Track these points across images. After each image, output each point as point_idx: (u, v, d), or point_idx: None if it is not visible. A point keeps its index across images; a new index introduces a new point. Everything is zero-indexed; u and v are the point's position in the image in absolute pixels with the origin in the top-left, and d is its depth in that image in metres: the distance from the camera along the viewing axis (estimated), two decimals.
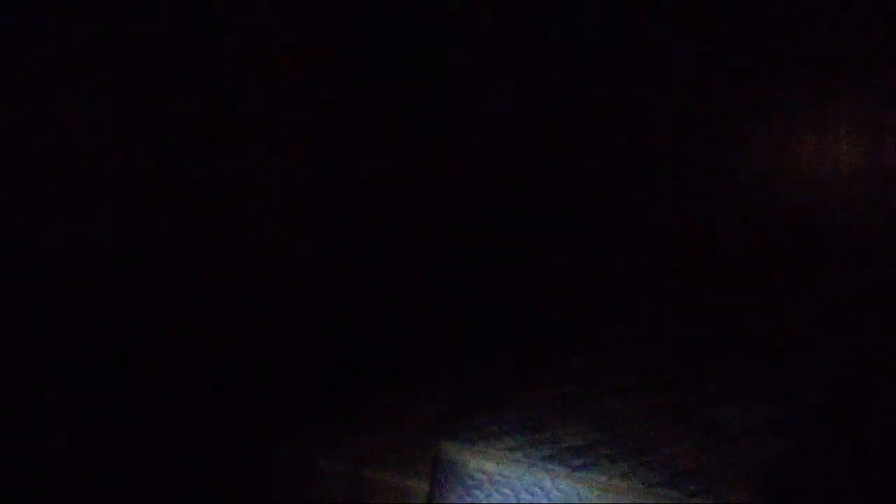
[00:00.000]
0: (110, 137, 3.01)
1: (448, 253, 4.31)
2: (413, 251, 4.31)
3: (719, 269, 3.75)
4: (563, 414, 2.53)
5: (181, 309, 3.33)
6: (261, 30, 3.70)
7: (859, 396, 2.94)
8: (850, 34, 3.51)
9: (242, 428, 3.41)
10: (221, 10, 3.41)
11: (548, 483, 2.22)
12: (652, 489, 2.11)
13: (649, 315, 3.80)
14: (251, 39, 3.63)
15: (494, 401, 2.65)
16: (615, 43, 3.96)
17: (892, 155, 3.48)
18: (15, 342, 2.73)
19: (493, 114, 4.22)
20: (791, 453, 2.33)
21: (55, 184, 2.85)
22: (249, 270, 3.68)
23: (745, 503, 2.03)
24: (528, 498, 2.25)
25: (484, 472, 2.31)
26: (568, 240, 4.07)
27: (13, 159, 2.71)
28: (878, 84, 3.50)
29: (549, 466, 2.25)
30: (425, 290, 4.26)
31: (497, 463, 2.30)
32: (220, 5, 3.42)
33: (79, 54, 2.88)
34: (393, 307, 4.19)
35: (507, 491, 2.28)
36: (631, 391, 2.73)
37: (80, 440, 2.91)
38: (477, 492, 2.32)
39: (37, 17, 2.69)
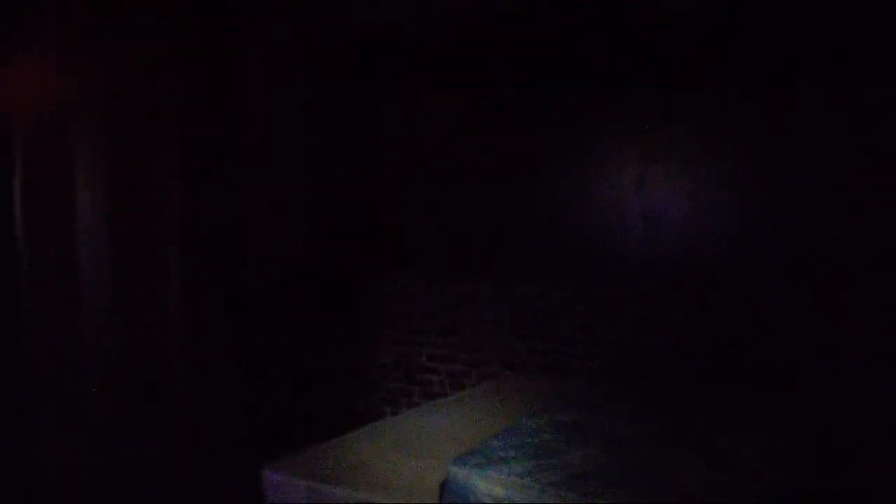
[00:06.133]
0: None
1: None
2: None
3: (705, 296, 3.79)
4: (570, 439, 2.54)
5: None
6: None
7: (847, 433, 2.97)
8: None
9: (245, 452, 3.38)
10: None
11: None
12: None
13: (646, 343, 3.83)
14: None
15: (502, 426, 2.65)
16: None
17: None
18: None
19: None
20: (792, 479, 2.35)
21: None
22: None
23: None
24: None
25: (493, 497, 2.31)
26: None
27: None
28: None
29: (559, 492, 2.25)
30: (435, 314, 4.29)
31: (506, 488, 2.31)
32: None
33: None
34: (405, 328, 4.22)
35: None
36: (633, 418, 2.75)
37: None
38: None
39: None
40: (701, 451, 2.47)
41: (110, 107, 2.99)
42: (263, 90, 3.94)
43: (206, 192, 3.44)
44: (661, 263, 3.85)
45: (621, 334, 3.85)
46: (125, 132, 3.04)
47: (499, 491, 2.31)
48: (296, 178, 4.18)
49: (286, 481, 2.78)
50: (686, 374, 3.40)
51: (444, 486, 2.41)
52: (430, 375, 4.37)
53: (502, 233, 4.30)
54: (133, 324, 3.08)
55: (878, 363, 3.36)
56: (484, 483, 2.34)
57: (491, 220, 4.33)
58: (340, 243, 4.43)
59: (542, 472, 2.33)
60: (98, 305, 2.95)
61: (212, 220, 3.50)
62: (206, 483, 3.33)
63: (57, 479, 2.94)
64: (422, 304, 4.44)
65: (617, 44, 3.92)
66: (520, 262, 4.25)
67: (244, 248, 3.71)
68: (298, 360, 3.96)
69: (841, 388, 3.34)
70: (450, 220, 4.48)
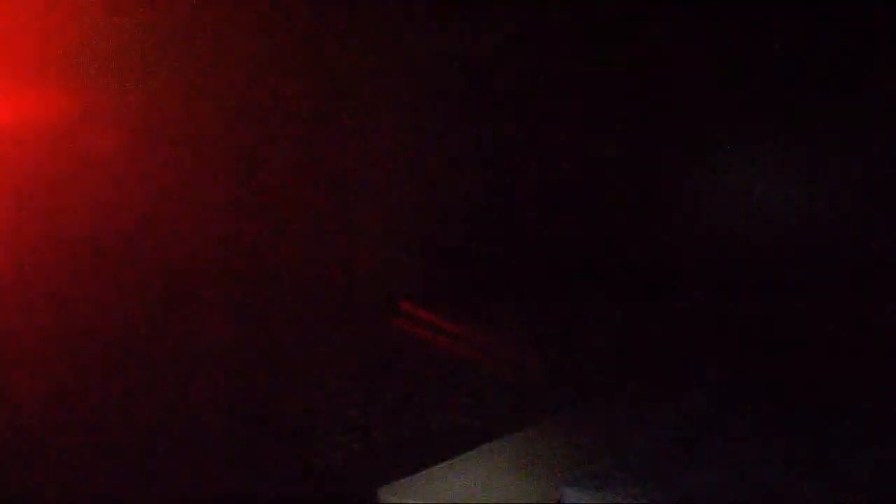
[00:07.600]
0: None
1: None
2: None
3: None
4: (685, 459, 2.52)
5: None
6: None
7: None
8: None
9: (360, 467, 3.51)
10: None
11: None
12: None
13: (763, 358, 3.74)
14: None
15: (615, 445, 2.66)
16: None
17: None
18: None
19: None
20: None
21: None
22: None
23: None
24: None
25: None
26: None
27: None
28: None
29: None
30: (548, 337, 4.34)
31: None
32: None
33: None
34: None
35: None
36: (750, 437, 2.70)
37: None
38: None
39: None
40: (825, 475, 2.39)
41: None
42: (376, 132, 4.09)
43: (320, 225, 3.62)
44: (784, 278, 3.75)
45: (737, 350, 3.77)
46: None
47: None
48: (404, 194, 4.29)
49: None
50: (803, 390, 3.28)
51: None
52: (544, 392, 4.38)
53: (613, 256, 4.28)
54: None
55: None
56: None
57: (599, 245, 4.32)
58: (449, 267, 4.52)
59: (657, 494, 2.32)
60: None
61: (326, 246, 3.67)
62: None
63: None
64: (534, 327, 4.47)
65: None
66: (627, 282, 4.22)
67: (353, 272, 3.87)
68: (410, 382, 4.07)
69: None
70: (560, 241, 4.49)
